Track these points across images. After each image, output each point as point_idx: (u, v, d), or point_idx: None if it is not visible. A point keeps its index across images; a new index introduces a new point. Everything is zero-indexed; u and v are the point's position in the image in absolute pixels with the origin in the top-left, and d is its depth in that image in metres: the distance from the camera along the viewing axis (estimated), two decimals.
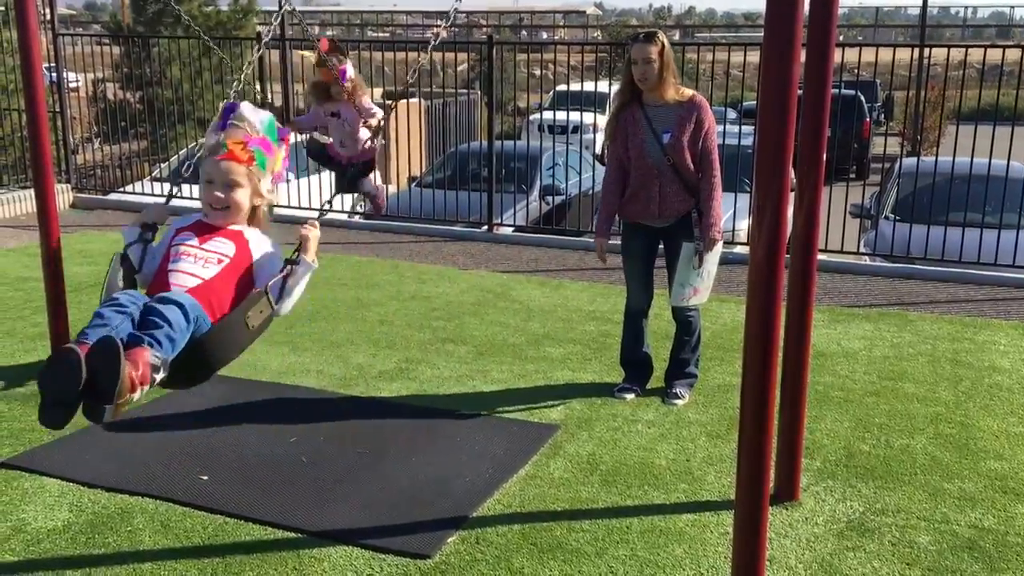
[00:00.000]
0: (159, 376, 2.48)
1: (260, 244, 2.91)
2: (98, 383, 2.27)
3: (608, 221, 4.81)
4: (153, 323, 2.47)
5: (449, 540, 3.52)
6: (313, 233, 2.94)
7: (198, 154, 3.21)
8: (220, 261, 2.76)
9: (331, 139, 4.85)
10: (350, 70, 4.63)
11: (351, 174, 4.73)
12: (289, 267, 2.87)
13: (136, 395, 2.41)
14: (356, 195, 5.16)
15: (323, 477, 4.00)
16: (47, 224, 5.07)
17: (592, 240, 8.55)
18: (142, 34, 15.57)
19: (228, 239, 2.81)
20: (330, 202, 3.76)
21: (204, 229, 2.82)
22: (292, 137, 3.16)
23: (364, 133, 4.68)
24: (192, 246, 2.78)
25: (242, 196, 2.84)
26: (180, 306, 2.53)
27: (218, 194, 2.78)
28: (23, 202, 9.82)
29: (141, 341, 2.43)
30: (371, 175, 4.81)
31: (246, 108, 2.90)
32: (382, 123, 4.55)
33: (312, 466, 4.10)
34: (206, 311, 2.65)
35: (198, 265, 2.73)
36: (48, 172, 5.07)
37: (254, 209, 2.97)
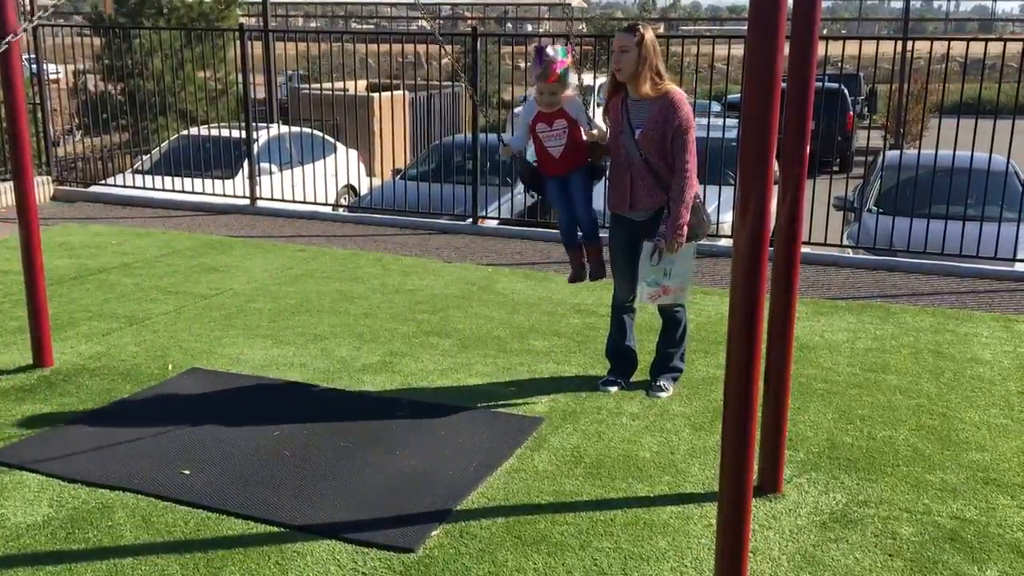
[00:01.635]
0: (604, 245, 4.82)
1: (572, 108, 4.59)
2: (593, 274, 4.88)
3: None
4: (586, 231, 4.79)
5: (433, 533, 3.51)
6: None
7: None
8: (565, 131, 4.57)
9: None
10: None
11: None
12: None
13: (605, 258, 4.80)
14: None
15: (306, 471, 3.98)
16: (27, 217, 5.02)
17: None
18: (123, 25, 15.44)
19: (561, 119, 4.56)
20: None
21: (547, 118, 4.57)
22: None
23: None
24: (548, 132, 4.58)
25: (560, 96, 4.53)
26: (589, 201, 4.73)
27: (549, 100, 4.53)
28: (3, 195, 9.73)
29: (587, 241, 4.81)
30: None
31: (548, 49, 4.45)
32: None
33: (295, 460, 4.08)
34: (579, 159, 4.69)
35: (556, 139, 4.59)
36: (27, 164, 5.03)
37: None
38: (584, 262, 4.82)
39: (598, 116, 4.92)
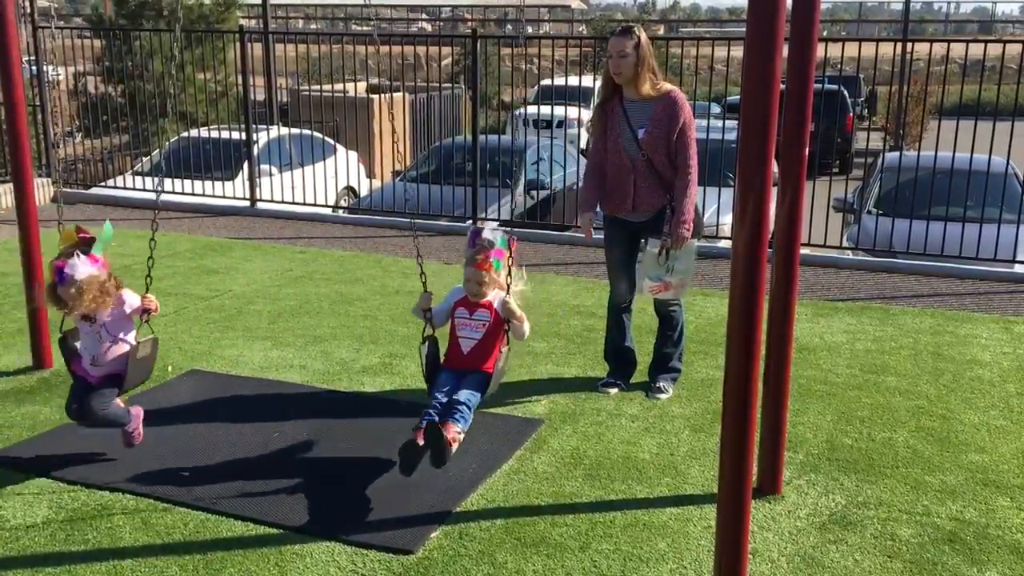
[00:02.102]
0: (461, 438, 3.85)
1: (498, 305, 4.14)
2: (433, 452, 3.73)
3: (590, 200, 4.80)
4: (457, 410, 3.86)
5: (432, 535, 3.51)
6: None
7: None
8: (484, 325, 4.13)
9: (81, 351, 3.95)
10: (81, 269, 3.68)
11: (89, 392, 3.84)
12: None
13: (454, 447, 3.78)
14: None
15: (305, 472, 3.98)
16: (26, 219, 5.02)
17: (577, 234, 8.59)
18: (124, 27, 15.44)
19: (485, 309, 4.15)
20: None
21: (470, 305, 4.17)
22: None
23: (131, 337, 3.91)
24: (466, 319, 4.16)
25: (487, 289, 4.15)
26: (475, 396, 3.97)
27: (476, 291, 4.14)
28: (2, 196, 9.73)
29: (450, 419, 3.82)
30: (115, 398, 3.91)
31: (486, 232, 4.08)
32: (150, 310, 3.87)
33: (294, 461, 4.08)
34: (485, 363, 4.09)
35: (472, 331, 4.14)
36: (27, 166, 5.03)
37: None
38: (422, 443, 3.71)
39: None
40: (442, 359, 4.17)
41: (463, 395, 3.94)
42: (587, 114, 17.59)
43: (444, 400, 3.94)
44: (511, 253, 4.14)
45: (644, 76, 4.51)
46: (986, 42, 9.19)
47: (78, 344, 3.97)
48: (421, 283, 4.21)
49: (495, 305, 4.11)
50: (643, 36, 4.53)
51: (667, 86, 4.61)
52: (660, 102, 4.54)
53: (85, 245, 3.83)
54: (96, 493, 3.79)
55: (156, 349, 4.06)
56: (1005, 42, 9.32)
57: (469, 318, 4.15)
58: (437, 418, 3.82)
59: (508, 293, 4.09)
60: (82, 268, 3.70)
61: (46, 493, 3.80)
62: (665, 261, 4.53)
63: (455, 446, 3.79)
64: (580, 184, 4.98)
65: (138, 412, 4.12)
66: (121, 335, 3.94)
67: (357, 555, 3.38)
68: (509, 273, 4.10)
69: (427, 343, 4.12)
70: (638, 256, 4.70)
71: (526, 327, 4.16)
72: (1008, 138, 7.51)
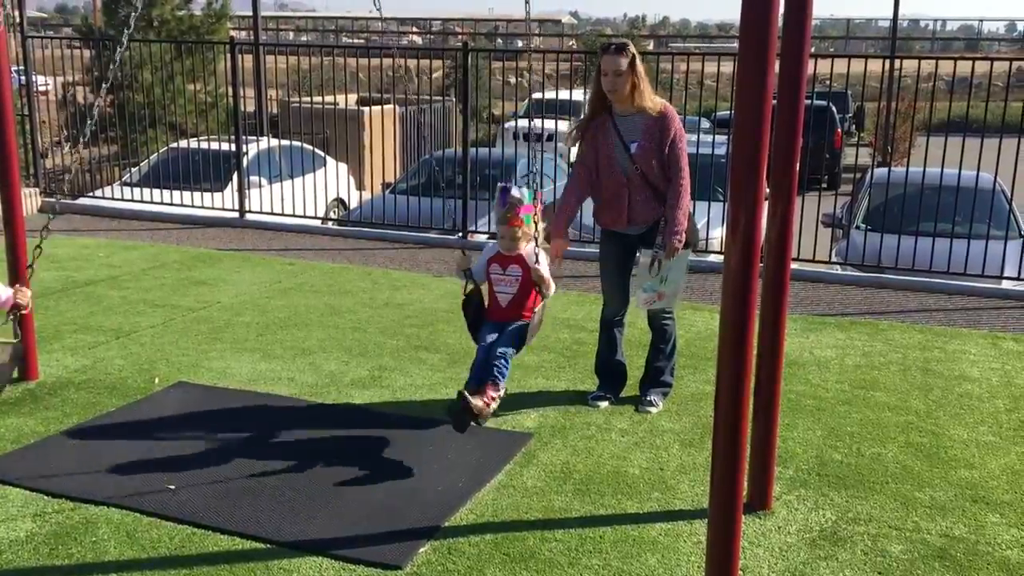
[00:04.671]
0: (501, 392, 4.17)
1: (528, 257, 4.35)
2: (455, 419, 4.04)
3: (563, 223, 4.78)
4: (496, 367, 4.18)
5: (421, 550, 3.48)
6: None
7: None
8: (517, 280, 4.37)
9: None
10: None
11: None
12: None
13: (492, 407, 4.10)
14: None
15: (293, 486, 3.95)
16: (13, 228, 4.99)
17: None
18: (113, 37, 15.41)
19: (516, 264, 4.37)
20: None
21: (504, 260, 4.40)
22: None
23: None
24: (500, 275, 4.41)
25: (521, 242, 4.35)
26: (512, 348, 4.27)
27: (510, 246, 4.36)
28: None
29: (489, 379, 4.15)
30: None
31: (513, 191, 4.30)
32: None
33: (282, 475, 4.05)
34: (524, 312, 4.38)
35: (507, 286, 4.40)
36: (15, 176, 5.00)
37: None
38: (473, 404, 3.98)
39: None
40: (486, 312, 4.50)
41: (500, 349, 4.24)
42: None
43: (483, 357, 4.25)
44: (538, 205, 4.40)
45: (641, 90, 4.54)
46: (973, 59, 9.26)
47: None
48: (459, 248, 4.64)
49: (527, 259, 4.31)
50: (636, 52, 4.56)
51: (659, 100, 4.65)
52: (651, 117, 4.56)
53: None
54: (81, 507, 3.75)
55: (15, 359, 4.36)
56: (992, 59, 9.41)
57: (503, 274, 4.41)
58: (475, 383, 4.15)
59: (538, 246, 4.34)
60: None
61: (30, 506, 3.76)
62: (658, 272, 4.54)
63: (492, 406, 4.11)
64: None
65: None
66: None
67: (345, 570, 3.35)
68: (536, 227, 4.37)
69: (468, 298, 4.46)
70: (638, 269, 4.70)
71: (551, 289, 4.38)
72: (995, 155, 7.56)
